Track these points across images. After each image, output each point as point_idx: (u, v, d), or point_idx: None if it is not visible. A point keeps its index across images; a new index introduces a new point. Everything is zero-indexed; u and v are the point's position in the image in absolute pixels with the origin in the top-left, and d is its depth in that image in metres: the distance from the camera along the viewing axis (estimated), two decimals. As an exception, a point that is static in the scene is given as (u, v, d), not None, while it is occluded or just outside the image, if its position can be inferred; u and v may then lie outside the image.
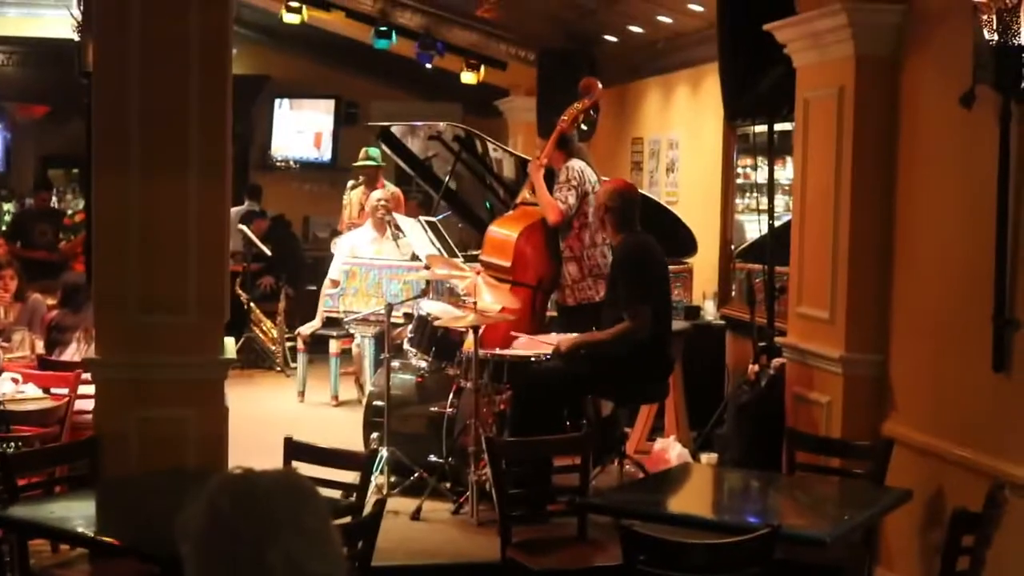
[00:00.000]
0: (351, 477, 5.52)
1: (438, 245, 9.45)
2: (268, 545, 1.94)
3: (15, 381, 7.19)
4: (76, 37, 11.30)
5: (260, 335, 12.77)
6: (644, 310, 6.92)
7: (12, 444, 6.20)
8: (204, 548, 1.97)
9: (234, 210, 12.93)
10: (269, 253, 13.05)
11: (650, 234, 7.30)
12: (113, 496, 5.41)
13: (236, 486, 2.02)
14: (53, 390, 7.14)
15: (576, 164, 8.11)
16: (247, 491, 2.00)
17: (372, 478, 6.38)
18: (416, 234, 9.64)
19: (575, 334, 7.23)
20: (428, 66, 13.94)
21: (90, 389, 6.51)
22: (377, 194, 10.82)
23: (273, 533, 1.96)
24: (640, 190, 10.43)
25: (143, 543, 4.64)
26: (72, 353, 7.84)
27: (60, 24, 13.59)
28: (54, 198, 16.35)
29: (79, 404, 6.88)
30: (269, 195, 15.09)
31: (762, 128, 8.14)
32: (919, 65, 6.07)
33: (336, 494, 5.31)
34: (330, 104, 16.70)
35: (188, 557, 1.99)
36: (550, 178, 8.19)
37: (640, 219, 7.31)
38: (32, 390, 7.13)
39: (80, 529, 4.76)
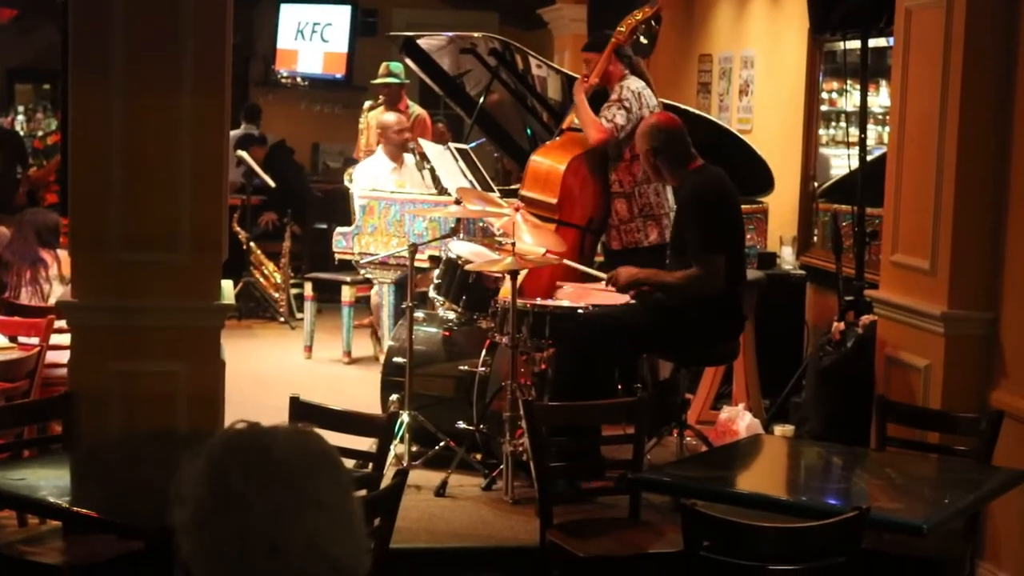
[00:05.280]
0: (367, 444, 5.54)
1: (470, 176, 9.43)
2: (284, 522, 1.93)
3: (-24, 328, 7.25)
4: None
5: (261, 280, 12.83)
6: (716, 260, 6.86)
7: (-27, 401, 6.26)
8: (207, 522, 1.95)
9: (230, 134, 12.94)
10: (272, 185, 13.06)
11: (719, 168, 7.24)
12: (90, 461, 5.43)
13: (247, 450, 1.99)
14: (21, 339, 7.19)
15: (635, 84, 8.06)
16: (260, 456, 1.98)
17: (391, 447, 6.40)
18: (445, 163, 9.62)
19: (636, 269, 7.17)
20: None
21: (64, 338, 6.54)
22: (390, 117, 10.81)
23: (289, 508, 1.94)
24: (709, 115, 10.47)
25: (124, 516, 4.67)
26: None
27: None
28: (21, 117, 16.41)
29: (51, 355, 6.92)
30: (273, 118, 15.10)
31: (854, 44, 8.07)
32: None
33: (350, 463, 5.33)
34: (345, 11, 16.64)
35: (186, 529, 1.97)
36: (602, 103, 8.13)
37: (706, 150, 7.26)
38: (-4, 338, 7.19)
39: (51, 499, 4.77)
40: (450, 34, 10.55)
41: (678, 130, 7.14)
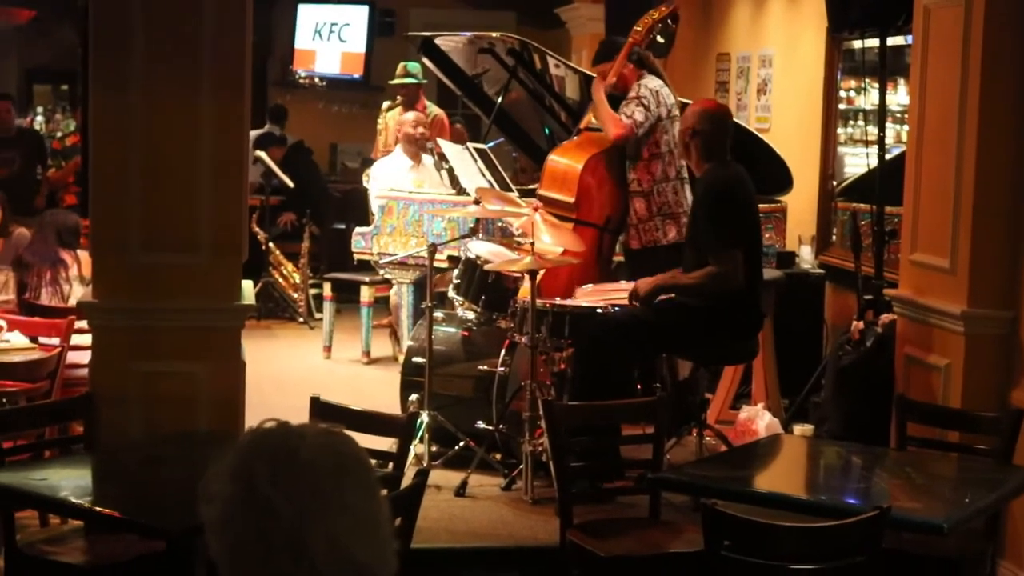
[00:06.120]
0: (387, 444, 5.55)
1: (489, 176, 9.44)
2: (310, 525, 1.94)
3: (-2, 328, 7.27)
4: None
5: (280, 280, 12.84)
6: (733, 254, 6.85)
7: (-5, 401, 6.28)
8: (233, 522, 1.96)
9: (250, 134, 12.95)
10: (291, 185, 13.07)
11: (741, 166, 7.23)
12: (111, 462, 5.46)
13: (275, 451, 1.99)
14: (42, 339, 7.20)
15: (652, 83, 8.06)
16: (288, 458, 1.98)
17: (411, 447, 6.41)
18: (463, 163, 9.63)
19: (653, 277, 7.17)
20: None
21: (85, 339, 6.56)
22: (409, 116, 10.81)
23: (316, 511, 1.94)
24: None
25: (146, 516, 4.69)
26: None
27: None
28: (40, 118, 16.43)
29: (72, 356, 6.93)
30: (291, 118, 15.12)
31: (872, 42, 8.06)
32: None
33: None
34: (363, 11, 16.66)
35: (213, 528, 1.98)
36: (619, 106, 8.13)
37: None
38: (18, 339, 7.18)
39: (73, 499, 4.79)
40: (468, 34, 10.54)
41: (724, 124, 7.13)
